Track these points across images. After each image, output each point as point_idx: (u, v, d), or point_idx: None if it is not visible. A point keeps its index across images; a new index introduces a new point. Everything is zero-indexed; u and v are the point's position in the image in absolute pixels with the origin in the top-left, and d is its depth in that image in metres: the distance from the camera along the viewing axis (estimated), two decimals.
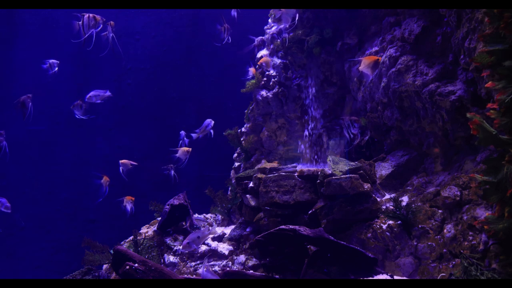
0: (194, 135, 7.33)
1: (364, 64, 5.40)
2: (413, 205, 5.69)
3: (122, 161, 7.30)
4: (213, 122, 7.48)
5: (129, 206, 6.85)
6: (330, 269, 5.44)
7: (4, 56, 12.20)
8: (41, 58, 12.05)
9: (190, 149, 6.96)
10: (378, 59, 5.39)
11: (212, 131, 7.39)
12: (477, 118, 4.11)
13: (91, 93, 7.44)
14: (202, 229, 7.15)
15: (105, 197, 7.13)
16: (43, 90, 11.87)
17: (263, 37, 9.04)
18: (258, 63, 8.53)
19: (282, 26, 8.94)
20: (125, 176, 7.12)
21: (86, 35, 6.33)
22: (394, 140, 7.25)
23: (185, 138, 7.47)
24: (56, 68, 7.51)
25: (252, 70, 8.78)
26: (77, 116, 6.99)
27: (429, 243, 5.39)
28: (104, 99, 7.42)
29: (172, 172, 7.55)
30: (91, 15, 6.36)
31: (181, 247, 6.18)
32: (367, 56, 5.58)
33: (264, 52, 9.25)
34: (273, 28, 9.23)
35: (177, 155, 7.05)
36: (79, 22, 6.37)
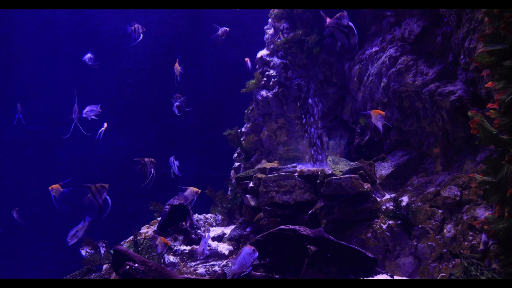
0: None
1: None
2: (413, 205, 5.69)
3: (53, 186, 6.96)
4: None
5: (160, 248, 6.64)
6: (330, 269, 5.43)
7: (4, 56, 12.19)
8: (41, 58, 12.06)
9: (199, 191, 6.88)
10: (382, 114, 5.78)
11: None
12: (478, 118, 4.11)
13: (87, 108, 7.46)
14: (202, 232, 7.20)
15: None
16: (43, 90, 11.86)
17: (226, 28, 8.72)
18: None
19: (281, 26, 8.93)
20: (59, 203, 6.87)
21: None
22: (394, 140, 7.24)
23: (175, 162, 7.35)
24: (141, 36, 7.42)
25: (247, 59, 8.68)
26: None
27: (429, 243, 5.39)
28: (97, 114, 7.45)
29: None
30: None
31: (199, 257, 6.25)
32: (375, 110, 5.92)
33: (264, 52, 9.25)
34: (273, 29, 9.22)
35: (185, 193, 6.94)
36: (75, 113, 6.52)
